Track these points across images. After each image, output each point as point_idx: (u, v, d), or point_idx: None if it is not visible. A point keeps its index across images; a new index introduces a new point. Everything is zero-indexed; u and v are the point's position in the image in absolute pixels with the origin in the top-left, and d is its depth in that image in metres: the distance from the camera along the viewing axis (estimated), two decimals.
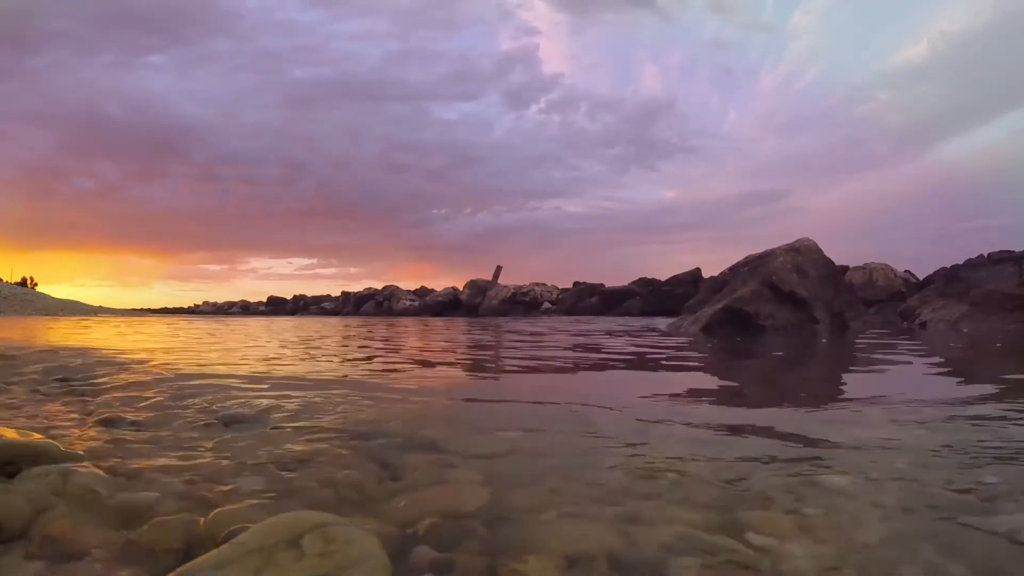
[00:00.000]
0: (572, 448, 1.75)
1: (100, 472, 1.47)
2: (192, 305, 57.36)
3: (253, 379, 3.29)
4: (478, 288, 35.86)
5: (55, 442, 1.51)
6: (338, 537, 0.91)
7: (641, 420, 2.15)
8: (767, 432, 1.97)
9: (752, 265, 10.66)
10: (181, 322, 17.33)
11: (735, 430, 2.02)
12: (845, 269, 19.36)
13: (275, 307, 47.16)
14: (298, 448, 1.68)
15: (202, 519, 1.13)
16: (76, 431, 1.95)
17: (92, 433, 1.93)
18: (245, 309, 49.68)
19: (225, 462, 1.54)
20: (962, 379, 3.81)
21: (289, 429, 1.93)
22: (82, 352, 5.00)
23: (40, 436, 1.56)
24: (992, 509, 1.22)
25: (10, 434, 1.49)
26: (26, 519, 1.12)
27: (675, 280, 28.92)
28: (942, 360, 4.91)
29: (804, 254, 10.46)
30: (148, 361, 4.29)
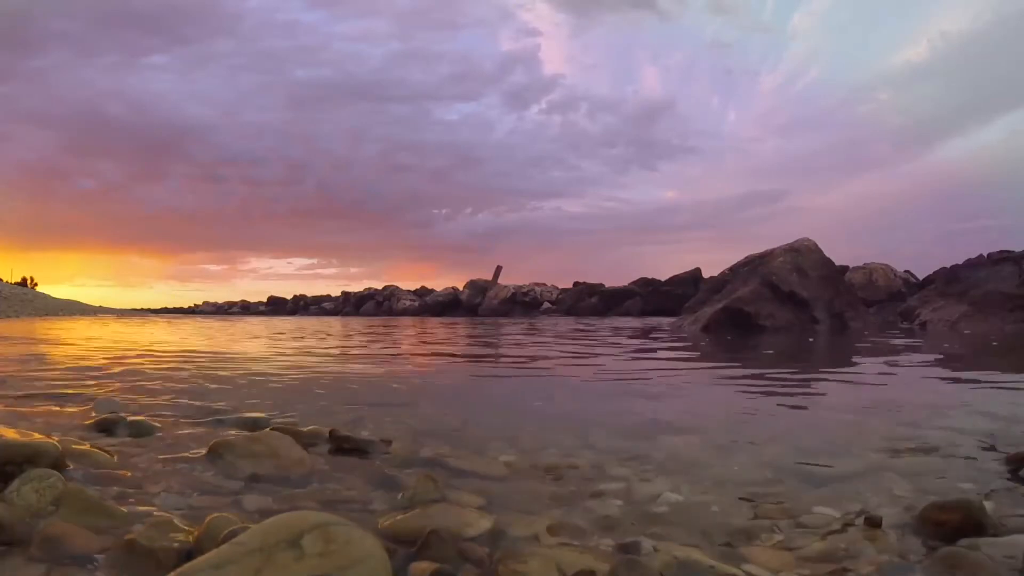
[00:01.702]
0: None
1: (100, 472, 1.47)
2: (192, 305, 57.28)
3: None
4: (478, 288, 35.82)
5: (55, 442, 1.51)
6: (338, 537, 0.91)
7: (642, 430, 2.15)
8: (762, 448, 1.97)
9: (752, 265, 10.67)
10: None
11: (733, 445, 2.02)
12: (845, 269, 19.32)
13: (275, 307, 47.09)
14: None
15: (202, 520, 1.12)
16: (78, 430, 1.95)
17: (93, 432, 1.93)
18: (245, 309, 49.61)
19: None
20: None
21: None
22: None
23: (40, 436, 1.56)
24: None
25: (10, 434, 1.49)
26: (28, 521, 1.12)
27: (675, 280, 28.86)
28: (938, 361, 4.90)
29: (804, 254, 10.46)
30: None
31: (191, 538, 1.07)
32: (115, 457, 1.62)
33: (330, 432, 1.90)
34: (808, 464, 1.75)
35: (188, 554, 1.00)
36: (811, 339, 7.80)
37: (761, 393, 3.33)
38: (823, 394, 3.54)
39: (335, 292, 45.61)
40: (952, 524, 1.20)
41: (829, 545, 1.17)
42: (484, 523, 1.23)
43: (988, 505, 1.29)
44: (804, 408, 2.92)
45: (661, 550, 1.12)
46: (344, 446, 1.84)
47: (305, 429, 1.94)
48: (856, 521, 1.29)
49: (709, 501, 1.45)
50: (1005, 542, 1.13)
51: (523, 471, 1.69)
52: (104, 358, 4.79)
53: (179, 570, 0.86)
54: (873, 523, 1.25)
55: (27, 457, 1.38)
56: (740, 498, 1.47)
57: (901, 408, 2.72)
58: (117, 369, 3.93)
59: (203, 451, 1.68)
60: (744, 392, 3.40)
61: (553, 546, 1.15)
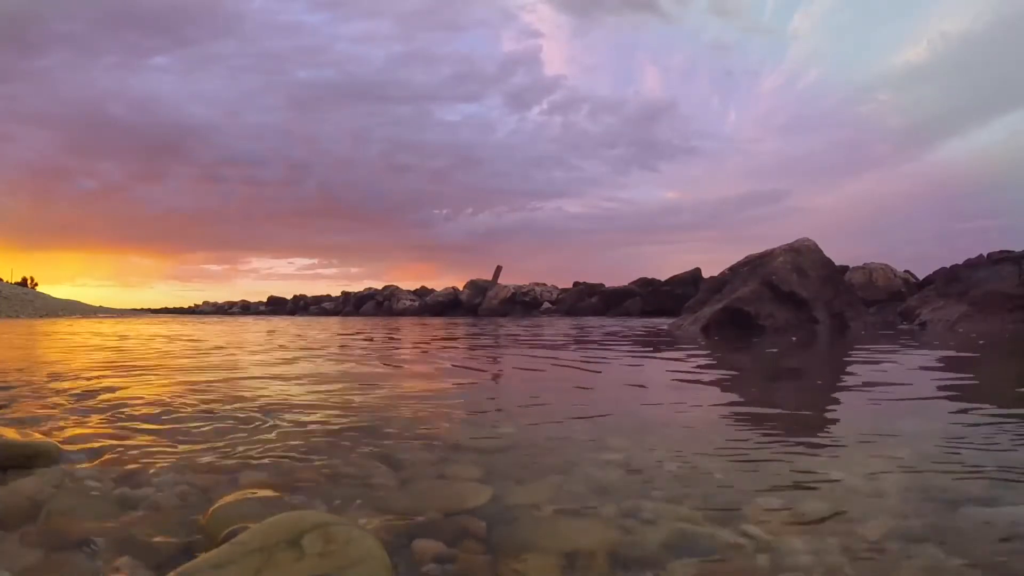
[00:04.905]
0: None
1: (99, 469, 1.47)
2: (192, 305, 57.36)
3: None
4: (478, 288, 35.82)
5: (56, 442, 1.52)
6: (338, 537, 0.91)
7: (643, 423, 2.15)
8: (755, 424, 1.98)
9: (752, 265, 10.67)
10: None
11: (726, 422, 2.03)
12: (845, 269, 19.32)
13: (275, 307, 47.12)
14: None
15: (201, 515, 1.13)
16: (77, 430, 1.95)
17: (93, 425, 1.93)
18: (245, 309, 49.63)
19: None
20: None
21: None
22: None
23: (41, 436, 1.56)
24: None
25: (10, 434, 1.49)
26: (27, 514, 1.12)
27: (675, 280, 28.85)
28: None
29: (804, 254, 10.46)
30: None
31: (192, 528, 1.07)
32: (114, 448, 1.62)
33: (330, 422, 1.92)
34: (808, 431, 1.77)
35: (187, 545, 1.01)
36: (793, 338, 7.87)
37: (758, 380, 3.34)
38: (822, 379, 3.55)
39: (335, 292, 45.61)
40: (947, 495, 1.25)
41: (832, 509, 1.18)
42: (483, 495, 1.24)
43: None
44: (800, 387, 2.92)
45: (661, 518, 1.13)
46: (343, 428, 1.86)
47: (305, 419, 1.96)
48: (859, 485, 1.29)
49: (710, 467, 1.45)
50: (993, 513, 1.16)
51: (522, 441, 1.70)
52: (106, 356, 4.79)
53: (179, 570, 0.86)
54: (876, 489, 1.27)
55: (28, 457, 1.38)
56: (741, 462, 1.48)
57: (897, 387, 2.73)
58: (118, 366, 3.93)
59: (203, 445, 1.69)
60: (739, 377, 3.41)
61: (551, 515, 1.15)
